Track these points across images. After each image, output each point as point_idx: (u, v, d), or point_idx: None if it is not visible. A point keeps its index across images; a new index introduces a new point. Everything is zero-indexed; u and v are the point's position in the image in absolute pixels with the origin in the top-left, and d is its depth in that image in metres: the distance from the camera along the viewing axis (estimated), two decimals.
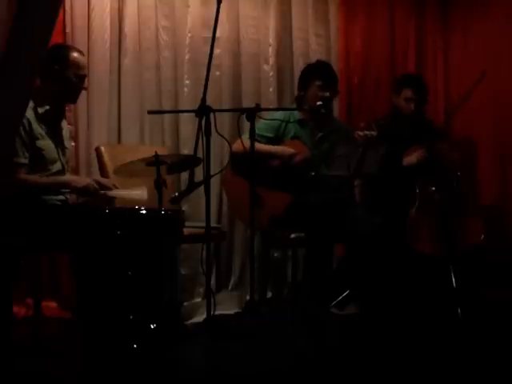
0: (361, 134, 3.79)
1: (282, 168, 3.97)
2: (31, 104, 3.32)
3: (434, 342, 3.41)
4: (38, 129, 3.36)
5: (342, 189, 4.10)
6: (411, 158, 4.31)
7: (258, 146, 3.66)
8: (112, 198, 3.42)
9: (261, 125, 3.94)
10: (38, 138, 3.35)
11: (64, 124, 3.63)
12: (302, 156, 3.95)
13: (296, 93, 4.23)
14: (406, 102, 4.42)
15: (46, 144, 3.39)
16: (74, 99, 3.56)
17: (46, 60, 3.34)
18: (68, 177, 3.48)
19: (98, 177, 3.81)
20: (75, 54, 3.45)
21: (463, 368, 3.03)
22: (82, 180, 3.46)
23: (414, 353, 3.23)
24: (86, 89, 3.58)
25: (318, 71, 4.06)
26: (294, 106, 4.24)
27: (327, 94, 3.99)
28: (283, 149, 3.99)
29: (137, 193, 3.40)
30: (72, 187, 3.39)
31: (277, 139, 4.05)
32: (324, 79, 4.00)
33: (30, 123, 3.31)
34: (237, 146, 3.41)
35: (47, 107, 3.41)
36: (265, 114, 3.82)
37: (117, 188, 3.43)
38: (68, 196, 3.52)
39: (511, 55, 4.76)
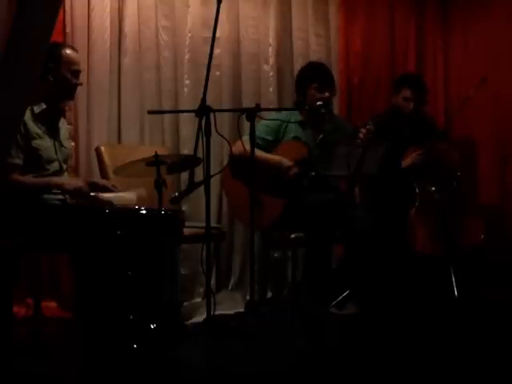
0: (364, 130, 3.80)
1: (278, 176, 3.95)
2: None
3: (433, 342, 3.40)
4: (35, 128, 3.36)
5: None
6: (407, 161, 4.32)
7: (258, 152, 3.65)
8: (106, 201, 3.37)
9: (260, 127, 3.94)
10: (34, 138, 3.35)
11: (63, 123, 3.62)
12: (295, 170, 3.91)
13: (294, 97, 4.23)
14: (404, 102, 4.43)
15: (43, 144, 3.39)
16: (70, 95, 3.52)
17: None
18: (60, 178, 3.44)
19: (97, 178, 3.81)
20: (68, 51, 3.46)
21: (463, 368, 3.02)
22: (74, 182, 3.42)
23: (413, 353, 3.22)
24: (81, 84, 3.55)
25: (312, 74, 4.07)
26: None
27: (326, 94, 4.00)
28: (281, 160, 3.94)
29: (126, 197, 3.39)
30: (63, 189, 3.38)
31: (277, 141, 4.05)
32: (320, 80, 4.01)
33: (25, 123, 3.30)
34: (237, 148, 3.40)
35: (44, 106, 3.41)
36: (265, 114, 3.81)
37: (117, 188, 3.43)
38: (67, 196, 3.51)
39: (511, 55, 4.77)
